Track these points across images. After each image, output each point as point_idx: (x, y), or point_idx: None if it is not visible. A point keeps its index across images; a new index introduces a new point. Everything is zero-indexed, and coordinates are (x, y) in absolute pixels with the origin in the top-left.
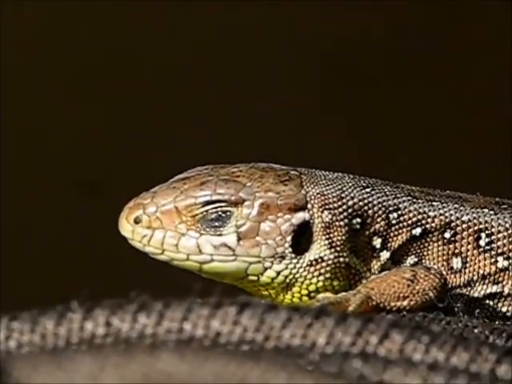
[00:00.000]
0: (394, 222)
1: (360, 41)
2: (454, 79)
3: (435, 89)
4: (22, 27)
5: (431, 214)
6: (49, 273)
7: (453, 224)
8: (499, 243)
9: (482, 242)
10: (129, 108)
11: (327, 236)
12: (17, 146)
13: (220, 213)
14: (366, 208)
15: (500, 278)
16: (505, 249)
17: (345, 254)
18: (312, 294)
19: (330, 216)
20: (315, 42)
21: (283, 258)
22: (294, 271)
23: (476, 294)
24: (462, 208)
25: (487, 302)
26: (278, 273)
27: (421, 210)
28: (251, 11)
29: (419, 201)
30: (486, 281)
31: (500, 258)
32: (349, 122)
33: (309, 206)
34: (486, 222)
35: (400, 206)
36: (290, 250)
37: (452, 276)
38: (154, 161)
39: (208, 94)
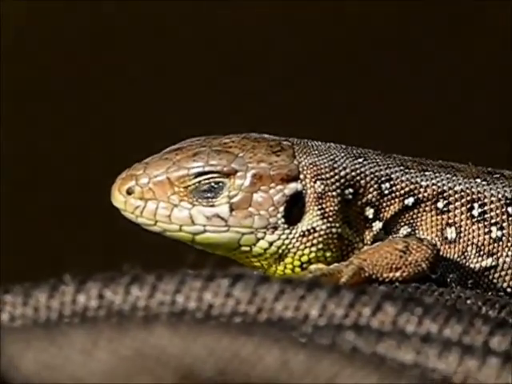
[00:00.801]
0: (386, 192)
1: (354, 33)
2: (453, 78)
3: (433, 88)
4: (22, 27)
5: (423, 183)
6: (60, 250)
7: (445, 194)
8: (492, 213)
9: (475, 212)
10: (129, 108)
11: (320, 206)
12: (17, 145)
13: (212, 184)
14: (358, 178)
15: (494, 250)
16: (498, 219)
17: (337, 225)
18: (304, 265)
19: (322, 186)
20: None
21: (276, 228)
22: (286, 242)
23: (471, 265)
24: (454, 178)
25: (481, 273)
26: (271, 243)
27: (413, 180)
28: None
29: (411, 171)
30: (481, 252)
31: (493, 228)
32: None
33: (301, 176)
34: (478, 192)
35: (392, 175)
36: (283, 220)
37: (446, 246)
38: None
39: (208, 94)
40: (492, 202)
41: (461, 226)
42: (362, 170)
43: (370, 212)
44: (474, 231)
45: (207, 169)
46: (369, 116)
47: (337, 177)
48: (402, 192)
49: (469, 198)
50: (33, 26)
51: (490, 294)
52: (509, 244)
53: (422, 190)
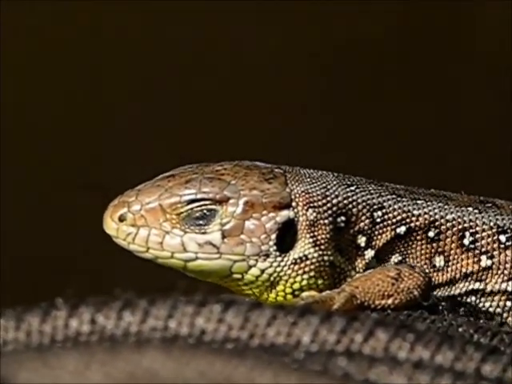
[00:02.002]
0: (378, 220)
1: (353, 41)
2: (451, 80)
3: (428, 91)
4: (21, 27)
5: (415, 212)
6: (47, 272)
7: (437, 223)
8: (483, 242)
9: (465, 241)
10: (129, 108)
11: (312, 234)
12: (17, 145)
13: (205, 211)
14: (350, 206)
15: (483, 277)
16: (488, 247)
17: (329, 253)
18: (296, 293)
19: (314, 214)
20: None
21: (268, 256)
22: (278, 269)
23: (458, 291)
24: (446, 207)
25: (470, 298)
26: (263, 271)
27: (405, 209)
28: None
29: (404, 199)
30: (469, 279)
31: (483, 257)
32: (336, 124)
33: (293, 204)
34: (470, 220)
35: (384, 204)
36: (275, 248)
37: (434, 274)
38: (153, 161)
39: (208, 95)
40: (483, 231)
41: (450, 255)
42: (355, 198)
43: (362, 240)
44: (462, 260)
45: (199, 196)
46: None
47: (329, 205)
48: (394, 220)
49: (460, 227)
50: (33, 26)
51: (481, 321)
52: (499, 272)
53: (414, 218)
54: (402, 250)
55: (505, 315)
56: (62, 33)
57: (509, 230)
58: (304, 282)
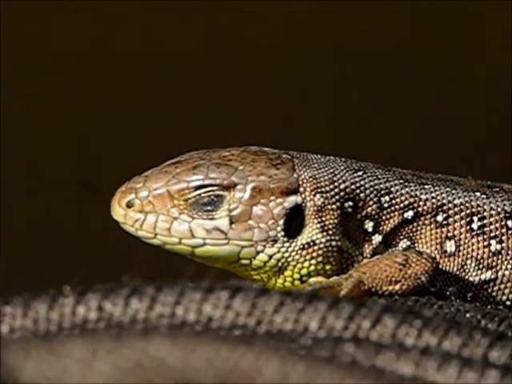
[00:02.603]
0: (385, 205)
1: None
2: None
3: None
4: (22, 27)
5: (423, 196)
6: (48, 272)
7: (445, 207)
8: (492, 227)
9: (474, 226)
10: (129, 108)
11: (319, 219)
12: (17, 145)
13: (212, 197)
14: (357, 191)
15: (494, 263)
16: (497, 232)
17: (337, 238)
18: (304, 278)
19: (322, 199)
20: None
21: (275, 241)
22: (286, 255)
23: (470, 279)
24: (454, 191)
25: (481, 286)
26: (271, 256)
27: (413, 193)
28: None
29: (411, 184)
30: (480, 265)
31: (493, 242)
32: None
33: (301, 189)
34: (478, 205)
35: (392, 189)
36: (283, 233)
37: (446, 260)
38: (153, 162)
39: (207, 96)
40: (491, 216)
41: (460, 240)
42: (362, 183)
43: (369, 225)
44: (473, 244)
45: (207, 182)
46: (372, 127)
47: (336, 190)
48: (402, 205)
49: (468, 212)
50: (33, 26)
51: (489, 307)
52: (508, 257)
53: (421, 203)
54: (411, 235)
55: None
56: (61, 33)
57: None
58: (312, 268)
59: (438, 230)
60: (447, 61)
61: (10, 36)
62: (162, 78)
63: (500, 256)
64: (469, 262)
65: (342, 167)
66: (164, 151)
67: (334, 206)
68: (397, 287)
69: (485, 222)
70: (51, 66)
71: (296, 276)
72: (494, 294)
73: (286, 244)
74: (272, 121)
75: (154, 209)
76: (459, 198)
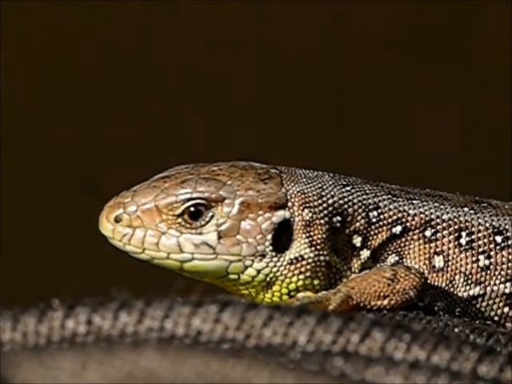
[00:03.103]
0: (374, 220)
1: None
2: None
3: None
4: (21, 27)
5: (411, 212)
6: (47, 272)
7: (433, 222)
8: (480, 242)
9: (462, 241)
10: (129, 109)
11: (307, 234)
12: (17, 146)
13: (201, 211)
14: (346, 206)
15: (482, 278)
16: (485, 248)
17: (325, 253)
18: (292, 293)
19: (310, 214)
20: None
21: (264, 256)
22: (274, 269)
23: (459, 294)
24: (442, 206)
25: (469, 302)
26: (259, 271)
27: (401, 209)
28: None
29: (399, 199)
30: (469, 281)
31: (481, 257)
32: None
33: (289, 204)
34: (466, 220)
35: (380, 204)
36: (271, 248)
37: (434, 275)
38: (153, 162)
39: (207, 98)
40: (480, 231)
41: (448, 255)
42: (350, 198)
43: (357, 240)
44: (461, 260)
45: (195, 196)
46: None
47: (325, 205)
48: (390, 220)
49: (456, 227)
50: (33, 26)
51: (477, 322)
52: (496, 273)
53: (409, 218)
54: (399, 250)
55: (502, 321)
56: (61, 33)
57: (504, 231)
58: (300, 283)
59: (427, 246)
60: (447, 61)
61: (9, 35)
62: (163, 77)
63: (488, 271)
64: (457, 277)
65: (330, 182)
66: (164, 151)
67: (322, 221)
68: (385, 302)
69: (473, 237)
70: (51, 66)
71: (284, 291)
72: (482, 309)
73: (275, 259)
74: (261, 136)
75: (143, 223)
76: (447, 213)
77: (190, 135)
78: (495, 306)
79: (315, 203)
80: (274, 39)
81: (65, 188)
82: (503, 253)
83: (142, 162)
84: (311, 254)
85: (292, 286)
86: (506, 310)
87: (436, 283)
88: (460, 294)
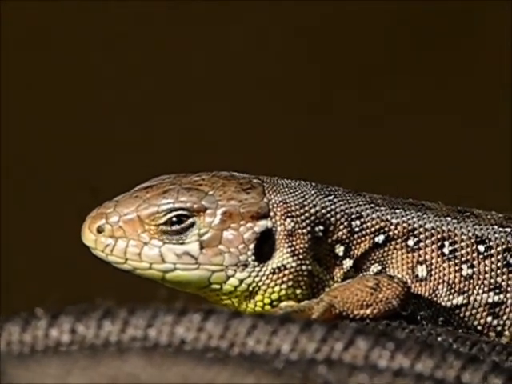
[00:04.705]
0: (356, 229)
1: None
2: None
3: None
4: (22, 27)
5: (394, 221)
6: (48, 274)
7: (416, 232)
8: (463, 251)
9: (445, 250)
10: (129, 109)
11: (290, 244)
12: (17, 146)
13: (182, 221)
14: (328, 216)
15: (465, 288)
16: (468, 257)
17: (307, 262)
18: (275, 303)
19: (292, 224)
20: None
21: (246, 266)
22: (256, 279)
23: (442, 303)
24: (425, 216)
25: (452, 311)
26: (241, 281)
27: (383, 218)
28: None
29: (382, 208)
30: (452, 290)
31: (464, 266)
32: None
33: (271, 213)
34: (449, 230)
35: (362, 213)
36: (253, 258)
37: (417, 284)
38: (153, 162)
39: (207, 99)
40: (462, 240)
41: (431, 264)
42: (333, 207)
43: (340, 249)
44: (444, 269)
45: (177, 206)
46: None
47: (307, 214)
48: (373, 229)
49: (439, 236)
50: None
51: (460, 331)
52: (479, 282)
53: (392, 227)
54: (382, 259)
55: (485, 330)
56: (61, 33)
57: (487, 240)
58: (282, 292)
59: (410, 255)
60: (447, 61)
61: (9, 34)
62: (162, 78)
63: (471, 281)
64: (440, 286)
65: (313, 192)
66: (164, 151)
67: (304, 231)
68: (368, 311)
69: (456, 246)
70: (51, 66)
71: (267, 301)
72: (465, 318)
73: (257, 268)
74: (244, 145)
75: (125, 234)
76: (430, 222)
77: (171, 145)
78: (478, 316)
79: (297, 213)
80: (260, 39)
81: (65, 188)
82: (486, 262)
83: (143, 162)
84: (293, 264)
85: (274, 296)
86: (488, 319)
87: (419, 292)
88: (443, 304)
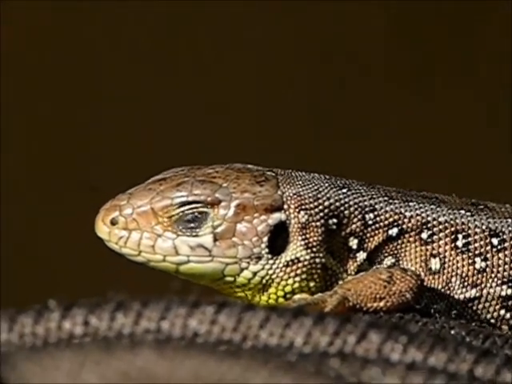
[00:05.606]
0: (370, 222)
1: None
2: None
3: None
4: (21, 27)
5: (407, 214)
6: (47, 273)
7: (429, 224)
8: (476, 244)
9: (459, 243)
10: (129, 109)
11: (303, 236)
12: (17, 146)
13: (196, 214)
14: (342, 208)
15: (478, 281)
16: (482, 250)
17: (321, 255)
18: (288, 296)
19: (306, 216)
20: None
21: (260, 258)
22: (270, 272)
23: (455, 296)
24: (438, 209)
25: (465, 304)
26: (255, 273)
27: (397, 211)
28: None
29: (395, 201)
30: (465, 283)
31: (478, 259)
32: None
33: (285, 206)
34: (462, 223)
35: (376, 206)
36: (267, 250)
37: (430, 277)
38: (153, 162)
39: (206, 97)
40: (476, 233)
41: (445, 257)
42: (346, 200)
43: (353, 242)
44: (458, 262)
45: (191, 199)
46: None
47: (321, 207)
48: (386, 222)
49: (453, 229)
50: (33, 26)
51: (473, 324)
52: (492, 275)
53: (406, 220)
54: (395, 252)
55: (498, 323)
56: (61, 33)
57: (500, 233)
58: (296, 285)
59: (423, 248)
60: (446, 61)
61: (9, 34)
62: (163, 78)
63: (485, 274)
64: (453, 279)
65: (326, 184)
66: (164, 152)
67: (318, 223)
68: (381, 304)
69: (469, 239)
70: (51, 65)
71: (280, 293)
72: (478, 311)
73: (270, 261)
74: (257, 138)
75: (139, 226)
76: (444, 215)
77: (187, 136)
78: (491, 309)
79: (311, 205)
80: (268, 39)
81: (65, 188)
82: (499, 255)
83: (143, 163)
84: (307, 257)
85: (288, 289)
86: (502, 312)
87: (432, 285)
88: (456, 297)
